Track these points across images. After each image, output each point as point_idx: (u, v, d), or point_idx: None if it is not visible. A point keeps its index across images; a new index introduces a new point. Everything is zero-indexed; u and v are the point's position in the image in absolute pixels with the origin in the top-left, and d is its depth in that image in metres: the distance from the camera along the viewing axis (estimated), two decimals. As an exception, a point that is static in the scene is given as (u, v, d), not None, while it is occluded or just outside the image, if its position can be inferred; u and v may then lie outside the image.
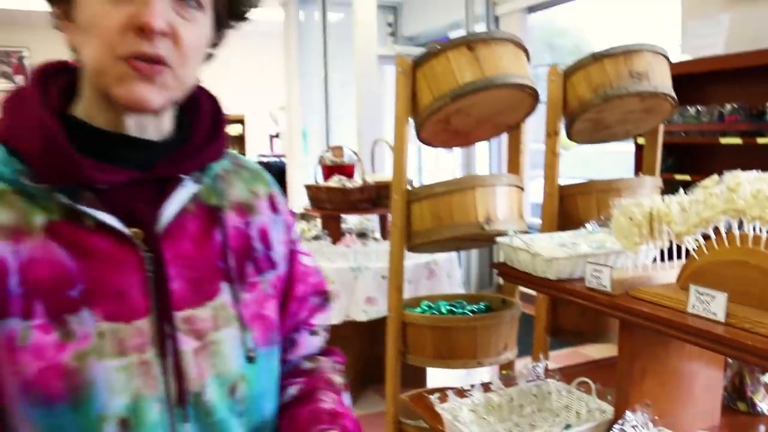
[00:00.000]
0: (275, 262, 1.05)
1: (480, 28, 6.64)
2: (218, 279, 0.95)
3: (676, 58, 3.97)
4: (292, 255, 1.11)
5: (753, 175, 1.48)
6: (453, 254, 4.16)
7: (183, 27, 0.87)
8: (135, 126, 0.92)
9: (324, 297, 1.19)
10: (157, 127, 0.95)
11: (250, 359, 0.95)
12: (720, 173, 1.54)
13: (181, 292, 0.91)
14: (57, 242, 0.85)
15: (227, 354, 0.93)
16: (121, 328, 0.85)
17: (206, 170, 1.00)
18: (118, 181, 0.89)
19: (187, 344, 0.89)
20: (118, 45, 0.84)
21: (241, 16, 1.00)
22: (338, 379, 1.14)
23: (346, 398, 1.12)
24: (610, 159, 6.14)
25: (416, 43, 8.18)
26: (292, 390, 1.09)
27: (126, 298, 0.86)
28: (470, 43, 2.03)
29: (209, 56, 0.99)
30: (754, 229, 1.40)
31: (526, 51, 2.19)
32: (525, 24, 6.38)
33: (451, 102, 2.01)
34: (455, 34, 7.51)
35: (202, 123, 1.00)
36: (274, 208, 1.08)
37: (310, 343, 1.16)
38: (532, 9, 6.31)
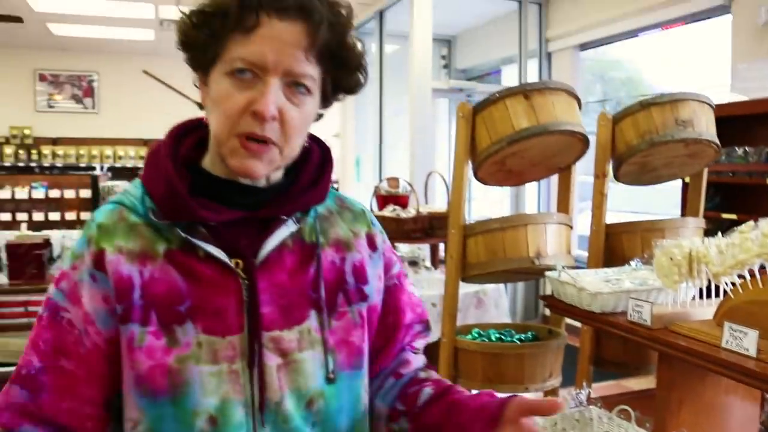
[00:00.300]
0: (367, 294, 1.16)
1: (532, 63, 6.79)
2: (308, 307, 1.08)
3: (725, 99, 4.09)
4: (399, 288, 1.24)
5: (786, 222, 1.61)
6: (501, 285, 4.29)
7: (291, 111, 1.01)
8: (246, 179, 1.07)
9: (426, 325, 1.31)
10: (267, 180, 1.09)
11: (329, 380, 1.07)
12: (766, 213, 1.66)
13: (271, 315, 1.04)
14: (173, 266, 1.02)
15: (308, 372, 1.06)
16: (216, 341, 1.01)
17: (309, 211, 1.13)
18: (226, 219, 1.05)
19: (272, 360, 1.03)
20: (236, 124, 0.99)
21: (348, 93, 1.13)
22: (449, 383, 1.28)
23: None
24: (658, 194, 6.20)
25: (469, 76, 8.35)
26: (428, 389, 1.18)
27: (223, 316, 1.02)
28: (526, 92, 2.21)
29: (319, 116, 1.12)
30: (785, 273, 1.53)
31: (578, 99, 2.36)
32: (577, 60, 6.52)
33: (508, 146, 2.19)
34: (508, 68, 7.67)
35: (308, 170, 1.13)
36: (372, 246, 1.20)
37: (417, 360, 1.28)
38: (583, 46, 6.45)
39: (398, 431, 1.20)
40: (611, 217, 2.62)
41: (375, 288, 1.18)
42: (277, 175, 1.11)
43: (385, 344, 1.23)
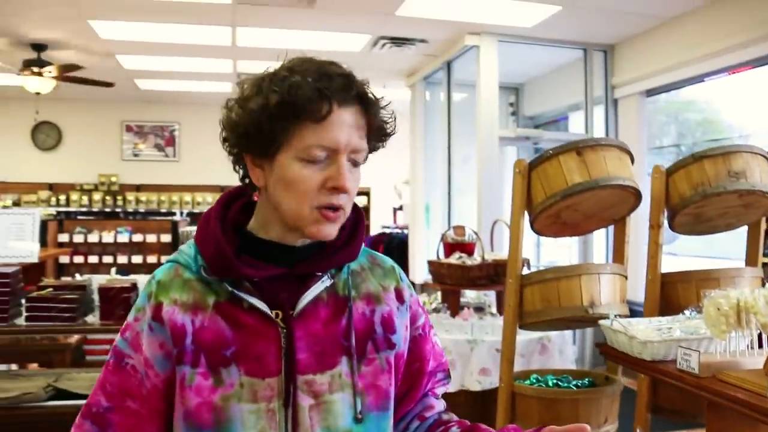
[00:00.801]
0: (394, 343, 1.27)
1: (599, 110, 6.82)
2: (340, 353, 1.19)
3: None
4: (424, 338, 1.36)
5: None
6: (566, 332, 4.33)
7: (353, 182, 1.17)
8: (290, 239, 1.21)
9: (447, 373, 1.44)
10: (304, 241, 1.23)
11: (357, 420, 1.19)
12: None
13: (306, 360, 1.16)
14: (221, 316, 1.16)
15: (337, 412, 1.17)
16: (257, 382, 1.14)
17: (343, 267, 1.26)
18: (266, 276, 1.18)
19: (305, 401, 1.16)
20: (315, 198, 1.14)
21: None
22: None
23: None
24: (733, 235, 6.06)
25: (537, 122, 8.42)
26: (456, 428, 1.30)
27: (263, 361, 1.14)
28: (579, 148, 2.33)
29: None
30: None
31: (630, 154, 2.45)
32: (643, 106, 6.52)
33: (561, 200, 2.31)
34: (575, 115, 7.72)
35: (343, 230, 1.24)
36: (400, 299, 1.31)
37: (439, 404, 1.40)
38: (650, 92, 6.46)
39: None
40: (688, 263, 2.67)
41: (402, 337, 1.29)
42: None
43: (410, 389, 1.34)
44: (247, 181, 1.24)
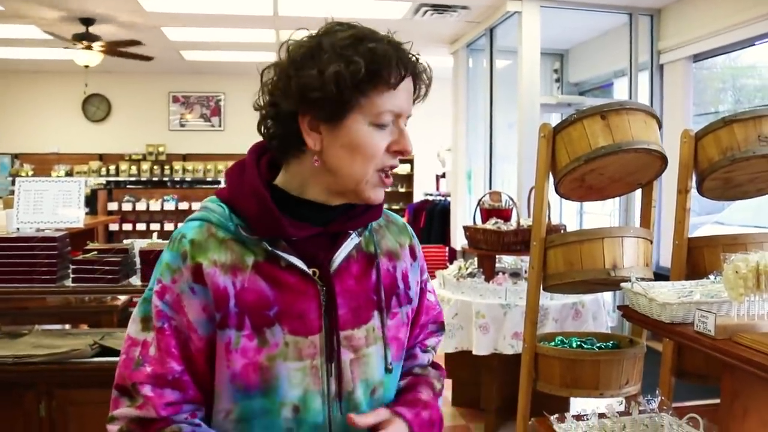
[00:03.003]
0: (411, 298, 1.34)
1: (644, 76, 6.70)
2: (372, 308, 1.25)
3: None
4: (422, 292, 1.41)
5: None
6: (599, 296, 4.32)
7: None
8: (328, 202, 1.23)
9: (439, 326, 1.49)
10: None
11: (388, 370, 1.26)
12: None
13: (345, 316, 1.20)
14: (261, 276, 1.16)
15: (373, 365, 1.24)
16: (300, 340, 1.16)
17: (367, 225, 1.30)
18: (305, 235, 1.20)
19: (347, 355, 1.20)
20: (381, 162, 1.18)
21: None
22: (438, 385, 1.42)
23: (439, 401, 1.42)
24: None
25: (582, 89, 8.31)
26: (401, 383, 1.37)
27: (306, 319, 1.17)
28: (603, 112, 2.33)
29: None
30: None
31: (657, 119, 2.44)
32: (689, 71, 6.38)
33: (585, 164, 2.32)
34: (619, 81, 7.60)
35: None
36: (413, 256, 1.38)
37: (422, 357, 1.45)
38: (697, 57, 6.31)
39: None
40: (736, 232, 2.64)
41: (415, 292, 1.36)
42: None
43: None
44: (274, 142, 1.23)
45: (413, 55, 1.19)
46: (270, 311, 1.16)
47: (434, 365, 1.51)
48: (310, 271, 1.19)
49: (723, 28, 5.71)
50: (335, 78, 1.11)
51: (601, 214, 8.05)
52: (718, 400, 2.00)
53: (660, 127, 2.45)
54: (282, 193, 1.23)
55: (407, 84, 1.18)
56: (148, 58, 7.80)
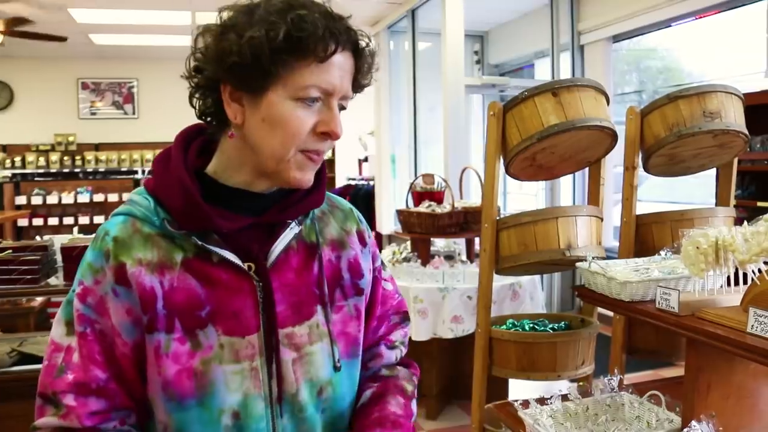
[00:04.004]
0: (362, 288, 1.25)
1: (565, 57, 6.80)
2: (314, 303, 1.17)
3: (761, 86, 4.08)
4: (377, 280, 1.32)
5: (810, 210, 1.66)
6: (536, 277, 4.35)
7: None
8: (257, 186, 1.14)
9: (403, 316, 1.40)
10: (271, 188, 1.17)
11: (336, 368, 1.17)
12: None
13: (284, 313, 1.13)
14: (191, 274, 1.08)
15: (318, 363, 1.15)
16: (237, 341, 1.08)
17: (308, 213, 1.22)
18: (238, 227, 1.11)
19: (288, 355, 1.12)
20: (305, 142, 1.08)
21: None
22: (409, 387, 1.33)
23: (413, 405, 1.32)
24: (696, 183, 6.16)
25: (502, 71, 8.38)
26: (368, 393, 1.28)
27: (241, 317, 1.09)
28: (555, 89, 2.28)
29: None
30: (810, 259, 1.58)
31: (606, 95, 2.42)
32: (609, 52, 6.51)
33: (537, 142, 2.26)
34: (541, 62, 7.69)
35: None
36: (362, 242, 1.29)
37: (388, 355, 1.36)
38: (616, 38, 6.44)
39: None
40: (650, 208, 2.67)
41: (367, 281, 1.28)
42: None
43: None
44: (207, 118, 1.15)
45: (355, 31, 1.11)
46: (202, 311, 1.08)
47: (405, 362, 1.41)
48: (244, 266, 1.11)
49: (641, 9, 5.83)
50: (250, 42, 1.03)
51: (520, 194, 8.18)
52: (661, 371, 1.99)
53: (608, 103, 2.43)
54: (211, 182, 1.14)
55: (342, 60, 1.09)
56: (61, 39, 7.32)
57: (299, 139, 1.08)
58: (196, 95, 1.14)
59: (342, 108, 1.13)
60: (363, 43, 1.12)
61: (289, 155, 1.09)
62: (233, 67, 1.05)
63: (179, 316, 1.07)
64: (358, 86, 1.16)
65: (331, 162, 11.16)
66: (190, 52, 1.13)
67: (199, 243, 1.08)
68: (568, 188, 6.85)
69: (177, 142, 1.16)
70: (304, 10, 1.05)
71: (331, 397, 1.18)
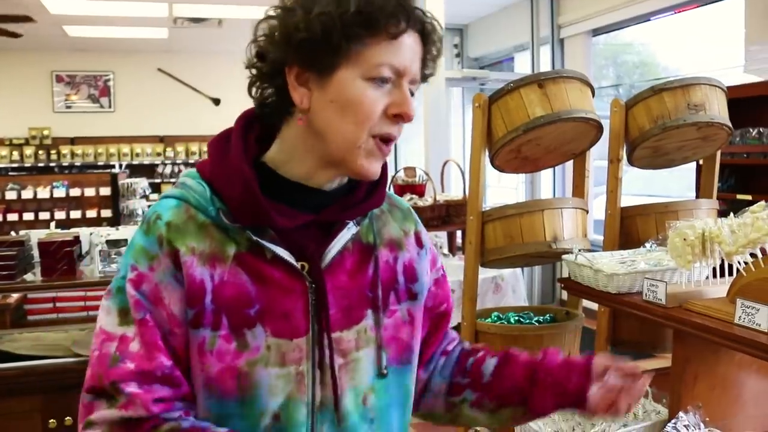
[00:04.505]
0: (415, 293, 1.18)
1: (545, 50, 6.81)
2: (365, 306, 1.10)
3: (739, 80, 4.11)
4: (444, 278, 1.28)
5: (795, 202, 1.67)
6: (518, 270, 4.36)
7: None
8: (322, 180, 1.09)
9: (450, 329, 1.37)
10: (332, 182, 1.11)
11: (382, 375, 1.11)
12: None
13: (335, 317, 1.06)
14: (242, 269, 1.02)
15: (363, 370, 1.09)
16: (285, 343, 1.03)
17: (366, 213, 1.15)
18: (295, 224, 1.05)
19: (336, 361, 1.06)
20: (376, 125, 1.02)
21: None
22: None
23: None
24: (673, 176, 6.22)
25: (482, 64, 8.38)
26: (491, 359, 1.25)
27: (291, 319, 1.03)
28: (540, 80, 2.27)
29: None
30: (795, 250, 1.59)
31: (591, 86, 2.42)
32: (589, 46, 6.54)
33: (523, 134, 2.26)
34: (521, 56, 7.70)
35: None
36: (420, 244, 1.22)
37: (454, 334, 1.35)
38: (596, 32, 6.47)
39: (460, 402, 1.25)
40: (628, 201, 2.68)
41: (425, 284, 1.21)
42: (339, 179, 1.13)
43: (436, 330, 1.28)
44: (267, 109, 1.09)
45: (422, 11, 1.05)
46: (251, 309, 1.02)
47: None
48: (298, 265, 1.05)
49: (621, 3, 5.86)
50: (321, 17, 0.98)
51: (499, 187, 8.20)
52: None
53: (593, 95, 2.43)
54: (270, 173, 1.08)
55: (411, 41, 1.04)
56: (28, 19, 7.15)
57: (372, 120, 1.02)
58: (257, 84, 1.08)
59: (411, 94, 1.06)
60: (430, 27, 1.06)
61: (361, 140, 1.03)
62: (302, 44, 1.00)
63: (227, 312, 1.01)
64: (423, 74, 1.10)
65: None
66: (251, 40, 1.07)
67: (254, 238, 1.03)
68: (548, 181, 6.88)
69: (237, 126, 1.10)
70: None
71: (377, 406, 1.12)
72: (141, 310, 1.01)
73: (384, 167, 1.14)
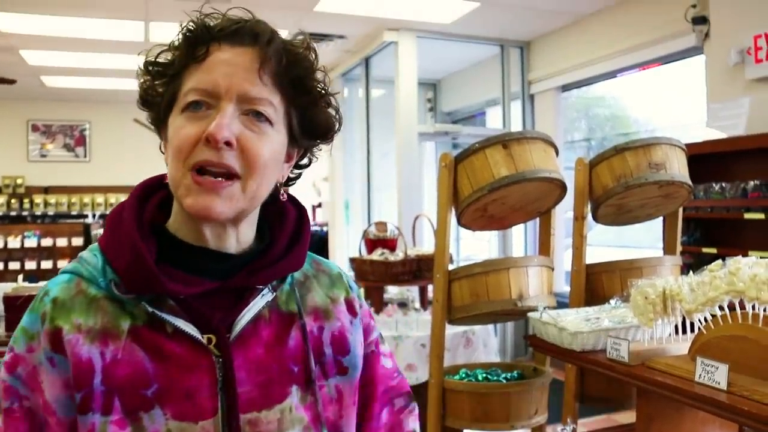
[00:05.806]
0: (346, 367, 1.07)
1: (516, 105, 6.94)
2: (289, 383, 0.99)
3: (701, 136, 4.22)
4: (375, 356, 1.15)
5: (752, 260, 1.71)
6: (489, 325, 4.37)
7: (252, 139, 0.93)
8: (213, 238, 0.98)
9: (408, 398, 1.20)
10: (237, 239, 1.00)
11: None
12: (744, 247, 1.75)
13: (249, 395, 0.95)
14: (139, 345, 0.92)
15: None
16: (188, 427, 0.91)
17: (285, 277, 1.05)
18: (196, 292, 0.95)
19: None
20: (189, 155, 0.92)
21: (316, 137, 1.05)
22: None
23: None
24: (644, 227, 6.31)
25: (454, 118, 8.50)
26: None
27: (195, 399, 0.92)
28: (505, 141, 2.33)
29: (293, 178, 1.09)
30: (753, 308, 1.62)
31: (554, 147, 2.48)
32: (559, 101, 6.68)
33: (489, 193, 2.30)
34: (492, 110, 7.83)
35: (285, 233, 1.05)
36: (352, 311, 1.10)
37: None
38: (565, 87, 6.61)
39: None
40: (600, 252, 2.72)
41: (358, 356, 1.09)
42: (249, 239, 1.04)
43: (362, 419, 1.12)
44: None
45: (255, 21, 0.98)
46: (148, 390, 0.91)
47: None
48: (203, 339, 0.95)
49: (588, 60, 6.02)
50: (146, 67, 0.99)
51: (473, 239, 8.24)
52: (614, 415, 2.00)
53: (557, 154, 2.48)
54: (171, 239, 0.99)
55: (230, 56, 0.94)
56: (11, 81, 7.21)
57: (184, 152, 0.92)
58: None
59: (260, 114, 0.95)
60: (271, 35, 0.97)
61: (179, 177, 0.93)
62: (143, 104, 1.00)
63: (120, 394, 0.90)
64: (287, 81, 0.98)
65: (285, 207, 11.08)
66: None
67: (150, 310, 0.93)
68: (520, 234, 6.94)
69: (133, 193, 1.02)
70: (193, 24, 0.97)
71: None
72: (9, 398, 0.92)
73: (303, 229, 1.08)
